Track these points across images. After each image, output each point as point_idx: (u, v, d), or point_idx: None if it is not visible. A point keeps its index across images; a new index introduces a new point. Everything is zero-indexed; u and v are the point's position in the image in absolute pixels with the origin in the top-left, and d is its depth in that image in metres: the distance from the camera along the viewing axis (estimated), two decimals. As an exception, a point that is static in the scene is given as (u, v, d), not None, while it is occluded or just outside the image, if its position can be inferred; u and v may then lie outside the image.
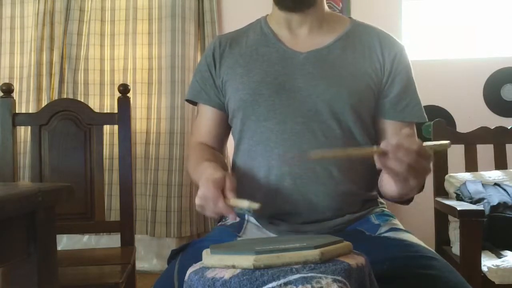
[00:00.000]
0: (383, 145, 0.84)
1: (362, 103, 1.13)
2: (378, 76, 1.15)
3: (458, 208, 1.63)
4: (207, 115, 1.24)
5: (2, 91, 1.76)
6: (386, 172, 0.88)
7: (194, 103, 1.28)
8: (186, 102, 1.31)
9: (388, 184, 1.02)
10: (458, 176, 2.01)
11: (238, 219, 1.16)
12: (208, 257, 0.75)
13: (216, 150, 1.23)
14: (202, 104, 1.25)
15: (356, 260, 0.73)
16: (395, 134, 1.14)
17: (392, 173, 0.87)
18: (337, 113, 1.11)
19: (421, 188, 1.02)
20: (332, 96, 1.11)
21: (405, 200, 1.09)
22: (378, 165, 0.86)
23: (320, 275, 0.67)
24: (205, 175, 0.98)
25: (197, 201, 0.96)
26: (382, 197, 1.17)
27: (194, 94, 1.26)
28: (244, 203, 0.92)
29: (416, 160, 0.83)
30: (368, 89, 1.14)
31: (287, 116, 1.11)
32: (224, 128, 1.25)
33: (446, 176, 2.03)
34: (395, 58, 1.16)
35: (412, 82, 1.18)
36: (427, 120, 1.20)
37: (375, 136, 1.19)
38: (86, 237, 2.85)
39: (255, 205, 0.91)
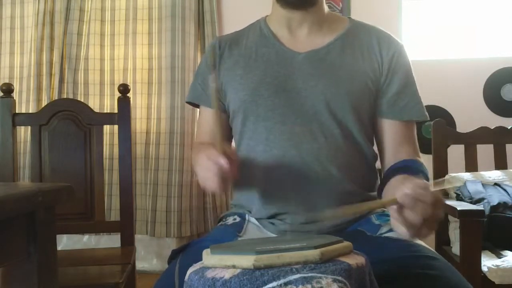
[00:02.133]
0: (399, 197, 0.82)
1: (361, 103, 1.13)
2: (377, 75, 1.15)
3: (458, 208, 1.63)
4: (209, 117, 1.24)
5: (2, 91, 1.76)
6: (400, 222, 0.85)
7: (195, 105, 1.29)
8: (187, 103, 1.31)
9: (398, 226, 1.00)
10: (458, 176, 2.01)
11: (238, 219, 1.17)
12: (208, 257, 0.75)
13: None
14: (203, 107, 1.25)
15: (356, 260, 0.73)
16: (397, 143, 1.13)
17: (406, 224, 0.84)
18: (336, 113, 1.11)
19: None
20: (331, 96, 1.11)
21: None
22: (393, 215, 0.84)
23: (320, 275, 0.67)
24: (204, 148, 0.98)
25: (198, 170, 0.97)
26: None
27: (195, 96, 1.26)
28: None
29: (432, 213, 0.82)
30: (367, 89, 1.14)
31: (287, 116, 1.11)
32: (227, 129, 1.25)
33: (446, 176, 2.03)
34: (393, 57, 1.16)
35: (411, 80, 1.18)
36: (428, 118, 1.19)
37: (375, 136, 1.19)
38: (86, 237, 2.85)
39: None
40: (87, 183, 1.77)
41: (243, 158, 1.17)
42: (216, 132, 0.97)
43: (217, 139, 0.97)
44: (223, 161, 0.92)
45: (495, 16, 2.91)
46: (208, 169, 0.94)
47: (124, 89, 1.83)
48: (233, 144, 1.23)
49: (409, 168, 1.08)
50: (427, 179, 1.06)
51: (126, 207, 1.77)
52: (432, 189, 0.83)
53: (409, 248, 0.98)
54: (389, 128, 1.17)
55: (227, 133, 1.25)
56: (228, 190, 1.02)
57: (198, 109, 1.31)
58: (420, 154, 1.18)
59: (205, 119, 1.26)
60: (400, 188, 0.82)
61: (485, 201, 1.81)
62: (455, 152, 2.07)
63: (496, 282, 1.55)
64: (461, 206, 1.69)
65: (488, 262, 1.60)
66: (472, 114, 2.73)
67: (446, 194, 2.02)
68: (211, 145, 0.96)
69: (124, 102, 1.81)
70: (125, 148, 1.79)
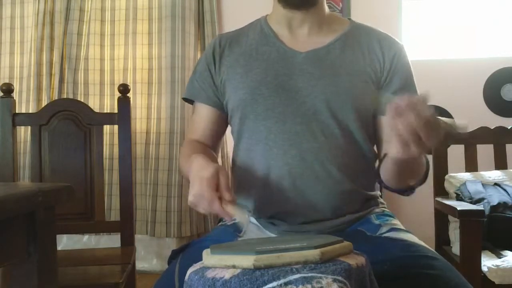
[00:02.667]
0: (398, 100, 0.80)
1: (360, 103, 1.13)
2: (377, 75, 1.15)
3: (458, 208, 1.63)
4: (204, 114, 1.24)
5: (2, 91, 1.76)
6: (391, 130, 0.82)
7: (190, 102, 1.28)
8: (186, 103, 1.31)
9: (389, 163, 0.95)
10: (458, 176, 2.01)
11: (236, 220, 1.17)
12: (208, 257, 0.75)
13: (209, 148, 1.23)
14: (199, 103, 1.25)
15: (356, 260, 0.73)
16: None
17: (397, 136, 0.82)
18: (336, 113, 1.11)
19: (423, 180, 1.02)
20: (330, 95, 1.11)
21: (405, 190, 1.06)
22: (388, 119, 0.82)
23: (320, 275, 0.67)
24: (196, 169, 0.95)
25: (191, 198, 0.94)
26: (385, 187, 1.12)
27: (192, 93, 1.25)
28: (241, 216, 0.91)
29: (426, 127, 0.79)
30: (366, 88, 1.14)
31: (287, 115, 1.11)
32: (220, 127, 1.25)
33: (446, 176, 2.03)
34: (394, 57, 1.16)
35: (411, 81, 1.18)
36: None
37: (375, 133, 1.19)
38: (86, 237, 2.86)
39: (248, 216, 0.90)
40: (87, 183, 1.77)
41: (243, 157, 1.17)
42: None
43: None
44: (217, 208, 0.91)
45: (495, 16, 2.91)
46: (200, 204, 0.93)
47: (124, 89, 1.83)
48: (231, 144, 1.24)
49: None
50: (428, 167, 1.05)
51: (126, 207, 1.77)
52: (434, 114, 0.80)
53: (409, 248, 0.98)
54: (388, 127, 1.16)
55: (220, 131, 1.25)
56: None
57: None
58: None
59: (199, 115, 1.25)
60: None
61: (485, 201, 1.81)
62: (455, 152, 2.07)
63: (496, 282, 1.55)
64: (461, 206, 1.69)
65: (488, 262, 1.60)
66: (472, 114, 2.73)
67: (446, 193, 2.02)
68: (206, 179, 0.93)
69: (124, 102, 1.81)
70: (125, 148, 1.79)
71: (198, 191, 0.92)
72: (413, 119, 0.79)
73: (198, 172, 0.94)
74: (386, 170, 1.04)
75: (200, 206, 0.94)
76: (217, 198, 0.91)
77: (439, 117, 0.82)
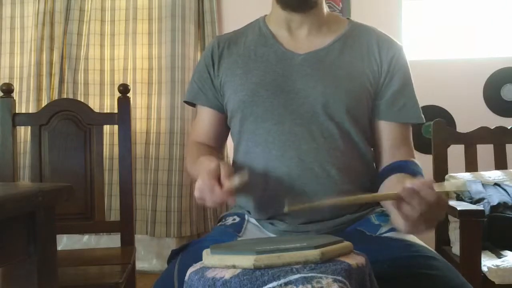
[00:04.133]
0: (401, 190, 0.83)
1: (359, 104, 1.13)
2: (376, 77, 1.15)
3: (458, 208, 1.63)
4: (205, 117, 1.24)
5: (2, 91, 1.76)
6: (398, 214, 0.87)
7: (193, 105, 1.29)
8: (184, 102, 1.31)
9: (397, 219, 0.98)
10: (458, 176, 2.01)
11: (238, 219, 1.17)
12: (208, 257, 0.75)
13: (214, 149, 1.23)
14: (200, 106, 1.25)
15: (356, 260, 0.73)
16: (393, 145, 1.14)
17: (403, 216, 0.86)
18: (334, 114, 1.11)
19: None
20: (329, 97, 1.11)
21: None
22: (393, 206, 0.86)
23: (320, 275, 0.67)
24: (202, 168, 0.98)
25: (196, 193, 0.96)
26: None
27: (192, 96, 1.26)
28: (236, 180, 0.93)
29: (430, 211, 0.83)
30: (365, 90, 1.14)
31: (286, 117, 1.11)
32: (223, 129, 1.25)
33: (446, 176, 2.03)
34: (392, 59, 1.16)
35: (409, 83, 1.18)
36: (424, 121, 1.20)
37: (372, 137, 1.19)
38: (86, 237, 2.85)
39: (244, 176, 0.93)
40: (87, 183, 1.77)
41: (242, 159, 1.17)
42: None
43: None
44: (218, 192, 0.93)
45: (494, 16, 2.91)
46: (204, 196, 0.95)
47: (124, 89, 1.83)
48: (231, 144, 1.24)
49: (404, 167, 1.08)
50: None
51: (126, 207, 1.77)
52: (436, 189, 0.83)
53: (409, 248, 0.98)
54: (386, 130, 1.16)
55: (222, 133, 1.25)
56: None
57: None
58: (416, 155, 1.18)
59: (201, 117, 1.26)
60: (404, 183, 0.83)
61: (485, 201, 1.81)
62: (455, 152, 2.07)
63: (496, 282, 1.55)
64: (461, 206, 1.69)
65: (488, 262, 1.60)
66: (472, 114, 2.73)
67: (446, 194, 2.02)
68: (207, 171, 0.95)
69: (124, 102, 1.81)
70: (125, 148, 1.79)
71: (200, 184, 0.94)
72: (419, 204, 0.82)
73: (203, 169, 0.96)
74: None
75: (205, 198, 0.95)
76: (218, 185, 0.93)
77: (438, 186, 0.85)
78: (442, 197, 0.85)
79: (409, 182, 0.83)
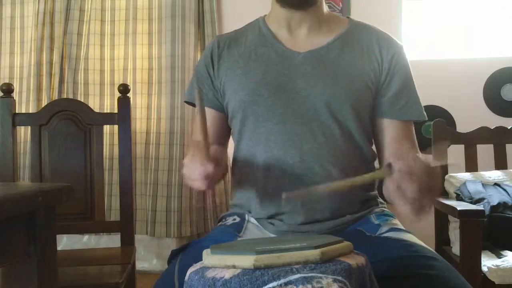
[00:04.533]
0: (392, 168, 0.87)
1: (360, 103, 1.13)
2: (376, 75, 1.15)
3: (458, 208, 1.63)
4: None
5: (2, 91, 1.76)
6: (400, 198, 0.89)
7: (193, 105, 1.28)
8: (184, 102, 1.31)
9: (402, 206, 0.99)
10: (458, 176, 2.01)
11: (238, 219, 1.17)
12: (208, 257, 0.75)
13: None
14: None
15: (356, 260, 0.73)
16: (396, 143, 1.14)
17: (405, 199, 0.88)
18: (335, 113, 1.11)
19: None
20: (330, 96, 1.11)
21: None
22: (394, 193, 0.88)
23: (320, 275, 0.67)
24: (192, 146, 1.00)
25: (184, 170, 0.97)
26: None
27: (192, 96, 1.25)
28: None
29: (428, 183, 0.85)
30: (366, 88, 1.14)
31: (287, 116, 1.11)
32: (224, 129, 1.25)
33: (446, 176, 2.03)
34: (393, 57, 1.16)
35: (410, 81, 1.18)
36: (426, 118, 1.20)
37: (374, 136, 1.19)
38: (86, 237, 2.85)
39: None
40: (87, 183, 1.77)
41: (243, 158, 1.17)
42: (200, 132, 0.97)
43: (200, 138, 0.98)
44: (208, 165, 0.93)
45: (494, 16, 2.91)
46: (193, 170, 0.95)
47: (124, 89, 1.83)
48: (232, 144, 1.23)
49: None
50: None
51: (126, 207, 1.77)
52: (432, 163, 0.87)
53: (409, 248, 0.98)
54: (389, 128, 1.17)
55: (223, 133, 1.25)
56: (215, 189, 1.03)
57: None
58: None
59: None
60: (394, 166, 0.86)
61: (485, 201, 1.81)
62: (455, 152, 2.07)
63: (496, 282, 1.55)
64: (461, 206, 1.69)
65: (488, 262, 1.60)
66: (472, 114, 2.73)
67: (446, 193, 2.02)
68: (196, 147, 0.97)
69: (124, 102, 1.81)
70: (125, 148, 1.79)
71: (189, 158, 0.97)
72: (416, 181, 0.85)
73: (193, 145, 0.99)
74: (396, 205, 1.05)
75: (191, 174, 0.96)
76: (199, 154, 0.94)
77: (433, 159, 0.89)
78: (432, 166, 0.86)
79: (398, 164, 0.86)
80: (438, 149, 0.91)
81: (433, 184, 0.87)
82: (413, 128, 1.20)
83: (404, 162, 0.86)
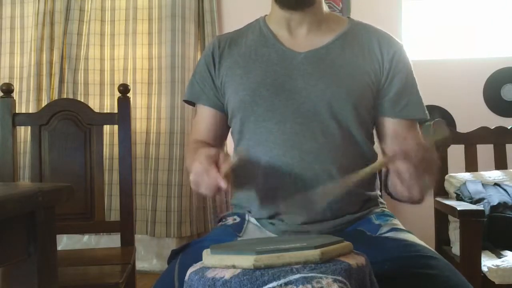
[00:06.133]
0: (388, 152, 0.89)
1: (361, 102, 1.13)
2: (377, 75, 1.15)
3: (458, 208, 1.63)
4: (205, 116, 1.24)
5: (2, 91, 1.76)
6: (397, 176, 0.91)
7: (192, 104, 1.28)
8: (183, 101, 1.31)
9: (404, 191, 0.99)
10: (458, 176, 2.01)
11: (238, 219, 1.17)
12: (208, 257, 0.75)
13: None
14: (200, 105, 1.25)
15: (356, 260, 0.73)
16: (395, 137, 1.14)
17: (405, 177, 0.90)
18: (336, 113, 1.11)
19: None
20: (331, 95, 1.11)
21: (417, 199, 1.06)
22: (395, 178, 0.92)
23: (320, 275, 0.67)
24: (200, 153, 0.97)
25: (191, 177, 0.96)
26: (393, 198, 1.11)
27: (193, 95, 1.25)
28: (234, 158, 0.94)
29: (422, 157, 0.87)
30: (367, 88, 1.14)
31: (287, 116, 1.11)
32: (223, 128, 1.25)
33: (446, 176, 2.03)
34: (394, 57, 1.16)
35: (412, 80, 1.18)
36: (429, 117, 1.20)
37: (377, 135, 1.19)
38: (86, 237, 2.86)
39: (241, 152, 0.94)
40: (87, 183, 1.77)
41: (243, 158, 1.17)
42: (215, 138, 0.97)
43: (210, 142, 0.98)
44: (214, 174, 0.92)
45: (494, 16, 2.91)
46: (200, 180, 0.95)
47: (124, 89, 1.83)
48: (231, 144, 1.23)
49: None
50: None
51: (126, 207, 1.77)
52: (425, 140, 0.90)
53: (409, 248, 0.98)
54: (392, 127, 1.16)
55: (222, 132, 1.25)
56: (221, 195, 1.04)
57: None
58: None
59: (201, 116, 1.25)
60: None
61: (485, 201, 1.81)
62: (455, 152, 2.07)
63: (496, 282, 1.55)
64: (461, 206, 1.69)
65: (488, 262, 1.60)
66: (472, 114, 2.73)
67: (446, 193, 2.02)
68: (205, 156, 0.95)
69: (124, 102, 1.81)
70: (125, 148, 1.79)
71: (198, 166, 0.94)
72: (410, 157, 0.87)
73: (202, 154, 0.96)
74: (399, 192, 1.03)
75: (200, 182, 0.95)
76: (215, 168, 0.92)
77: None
78: (421, 140, 0.89)
79: (392, 147, 0.89)
80: (436, 125, 0.94)
81: (428, 160, 0.89)
82: (417, 126, 1.20)
83: (397, 144, 0.89)
